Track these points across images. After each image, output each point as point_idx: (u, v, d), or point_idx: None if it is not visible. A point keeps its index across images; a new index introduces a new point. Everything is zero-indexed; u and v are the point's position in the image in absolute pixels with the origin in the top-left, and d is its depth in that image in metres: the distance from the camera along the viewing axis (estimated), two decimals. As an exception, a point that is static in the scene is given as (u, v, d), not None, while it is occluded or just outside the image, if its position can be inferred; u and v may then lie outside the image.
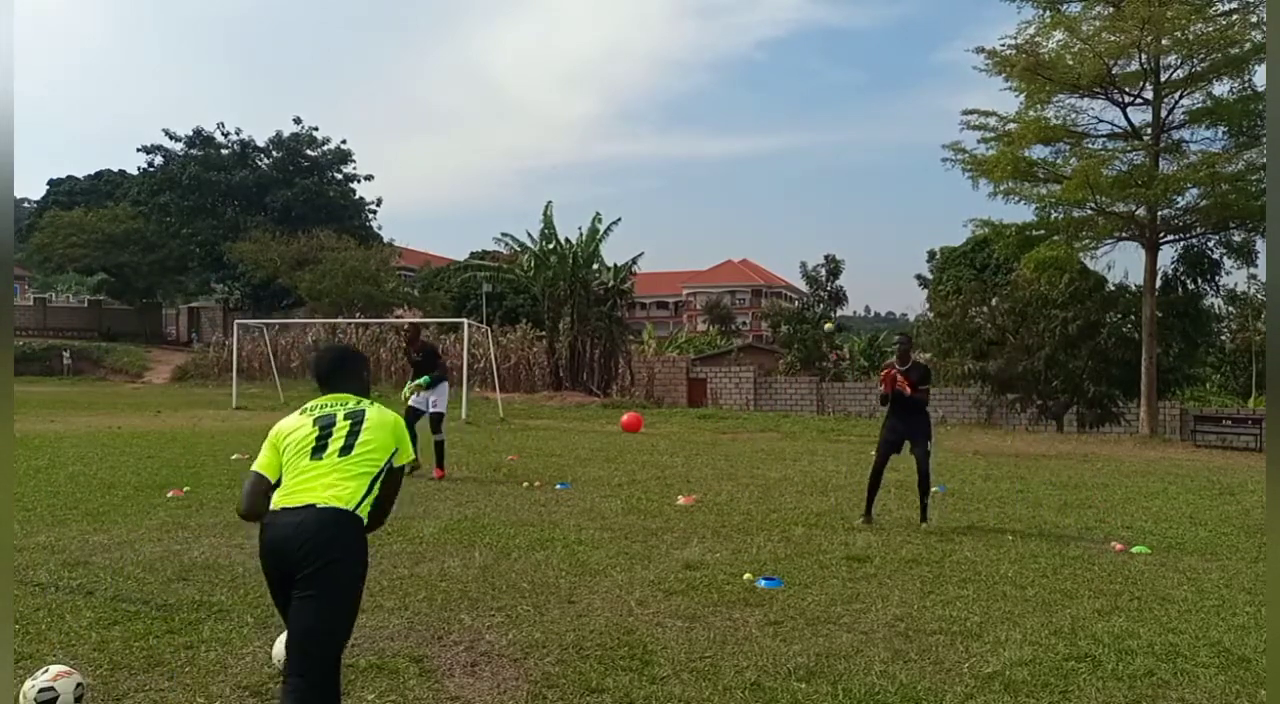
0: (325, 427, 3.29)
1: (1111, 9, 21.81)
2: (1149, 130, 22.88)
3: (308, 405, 3.43)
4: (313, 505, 3.09)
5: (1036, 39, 22.67)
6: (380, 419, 3.37)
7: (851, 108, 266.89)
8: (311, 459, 3.20)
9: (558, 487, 10.63)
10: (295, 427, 3.33)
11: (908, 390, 8.54)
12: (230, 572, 6.18)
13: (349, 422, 3.31)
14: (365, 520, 3.22)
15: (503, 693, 4.19)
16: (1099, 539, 8.16)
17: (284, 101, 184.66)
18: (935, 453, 9.23)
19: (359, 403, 3.42)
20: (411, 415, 10.96)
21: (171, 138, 53.79)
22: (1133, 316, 25.70)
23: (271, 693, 4.11)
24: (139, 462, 12.08)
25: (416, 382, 11.27)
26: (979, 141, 24.07)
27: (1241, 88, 21.74)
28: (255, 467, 3.31)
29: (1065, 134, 23.40)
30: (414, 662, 4.54)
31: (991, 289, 30.93)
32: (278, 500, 3.17)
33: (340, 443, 3.24)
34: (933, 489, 10.97)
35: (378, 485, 3.28)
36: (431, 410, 11.33)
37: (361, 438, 3.26)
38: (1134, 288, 26.03)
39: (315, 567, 3.02)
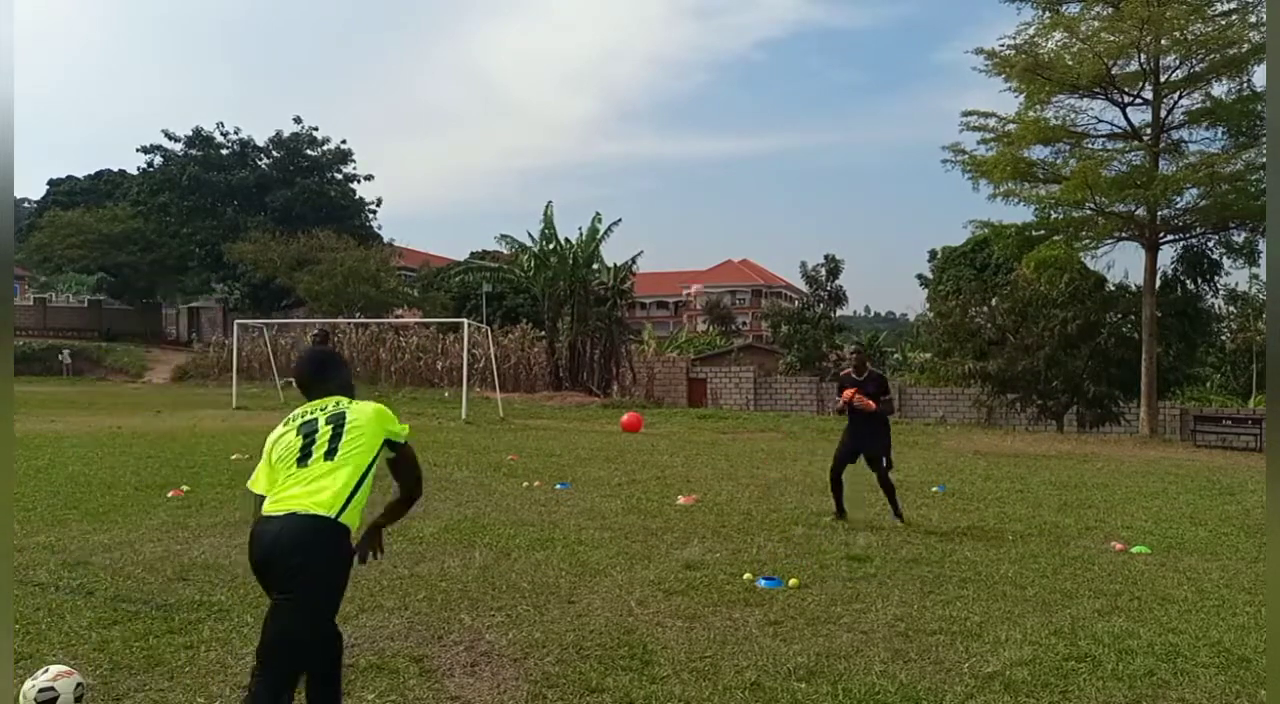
0: (309, 434, 3.29)
1: (1111, 9, 21.81)
2: (1148, 130, 22.88)
3: (291, 414, 3.44)
4: (293, 513, 3.10)
5: (1036, 39, 22.67)
6: (362, 415, 3.37)
7: (851, 108, 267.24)
8: (298, 467, 3.21)
9: (558, 487, 10.63)
10: (280, 436, 3.36)
11: (871, 407, 8.57)
12: (230, 572, 6.18)
13: (331, 426, 3.30)
14: (352, 526, 3.20)
15: (503, 693, 4.19)
16: (1099, 539, 8.16)
17: (284, 101, 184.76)
18: (896, 465, 9.30)
19: (339, 405, 3.41)
20: None
21: (171, 138, 53.80)
22: (1133, 316, 25.69)
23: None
24: (139, 462, 12.08)
25: None
26: (979, 142, 24.09)
27: (1240, 88, 21.75)
28: (256, 488, 3.33)
29: (1065, 134, 23.39)
30: (414, 661, 4.54)
31: (992, 289, 30.91)
32: (266, 508, 3.19)
33: (324, 448, 3.24)
34: (932, 489, 11.03)
35: (369, 481, 3.28)
36: None
37: (345, 439, 3.26)
38: (1134, 288, 26.03)
39: (289, 573, 3.04)
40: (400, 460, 3.48)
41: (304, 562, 3.04)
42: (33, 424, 17.02)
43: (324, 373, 3.63)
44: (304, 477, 3.18)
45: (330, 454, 3.22)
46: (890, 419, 9.04)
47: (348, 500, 3.16)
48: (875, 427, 8.77)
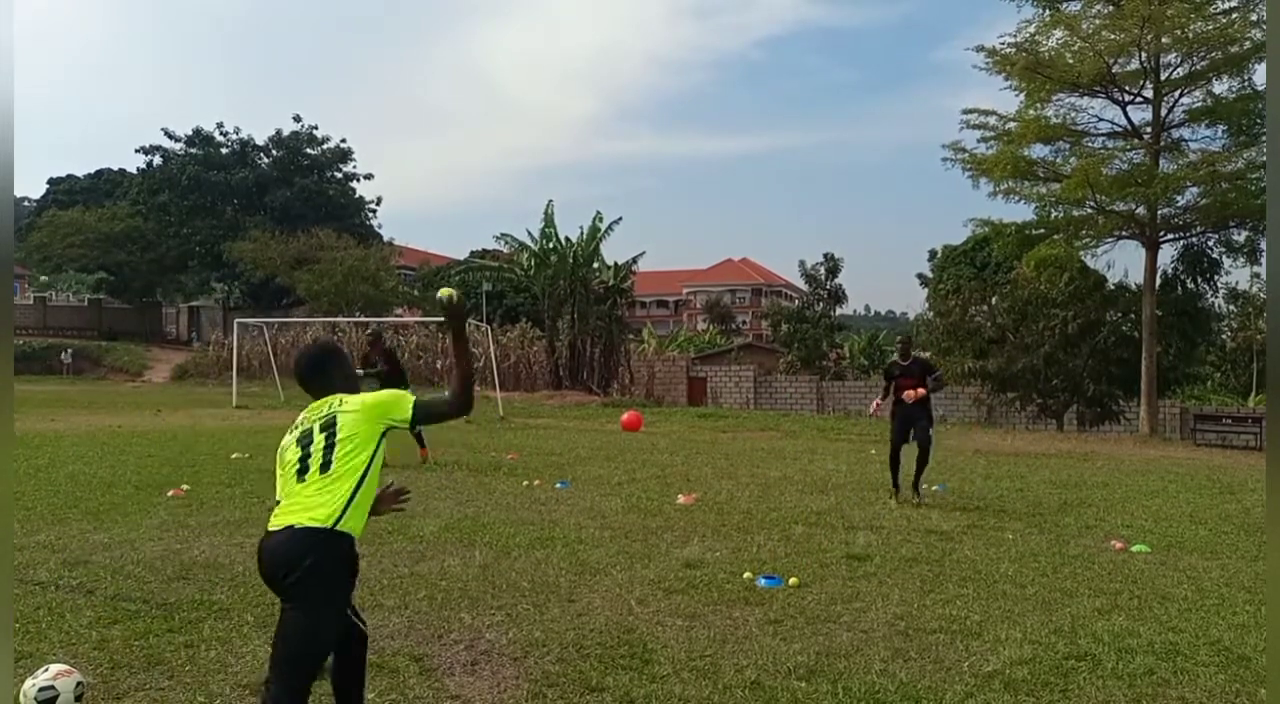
0: (305, 445, 3.27)
1: (1111, 7, 21.78)
2: (1149, 129, 22.85)
3: (297, 420, 3.44)
4: (291, 527, 3.12)
5: (1036, 38, 22.63)
6: (353, 415, 3.29)
7: (851, 107, 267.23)
8: (297, 482, 3.22)
9: (558, 485, 10.63)
10: (285, 448, 3.35)
11: (922, 393, 9.65)
12: (230, 571, 6.18)
13: (324, 435, 3.26)
14: (354, 532, 3.20)
15: (503, 692, 4.19)
16: (1099, 538, 8.15)
17: (284, 101, 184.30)
18: (936, 443, 10.27)
19: (331, 407, 3.34)
20: None
21: (171, 137, 53.83)
22: (1133, 315, 25.67)
23: (272, 692, 4.11)
24: (139, 461, 12.08)
25: None
26: (979, 141, 24.04)
27: (1241, 86, 21.71)
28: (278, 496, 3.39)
29: (1065, 133, 23.36)
30: (414, 660, 4.55)
31: (991, 288, 30.91)
32: (270, 522, 3.23)
33: (319, 459, 3.21)
34: (933, 488, 11.03)
35: (372, 474, 3.25)
36: None
37: (339, 449, 3.22)
38: (1134, 287, 26.01)
39: (289, 583, 3.09)
40: (424, 418, 3.37)
41: (302, 572, 3.07)
42: (33, 423, 17.02)
43: (321, 370, 3.53)
44: (301, 492, 3.19)
45: (325, 467, 3.19)
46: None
47: (345, 508, 3.16)
48: (921, 407, 9.76)
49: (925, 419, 9.78)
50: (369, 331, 13.27)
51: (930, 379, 9.80)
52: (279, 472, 3.35)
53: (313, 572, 3.08)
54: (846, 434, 20.16)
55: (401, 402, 3.34)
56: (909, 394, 9.64)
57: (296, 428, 3.38)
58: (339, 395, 3.42)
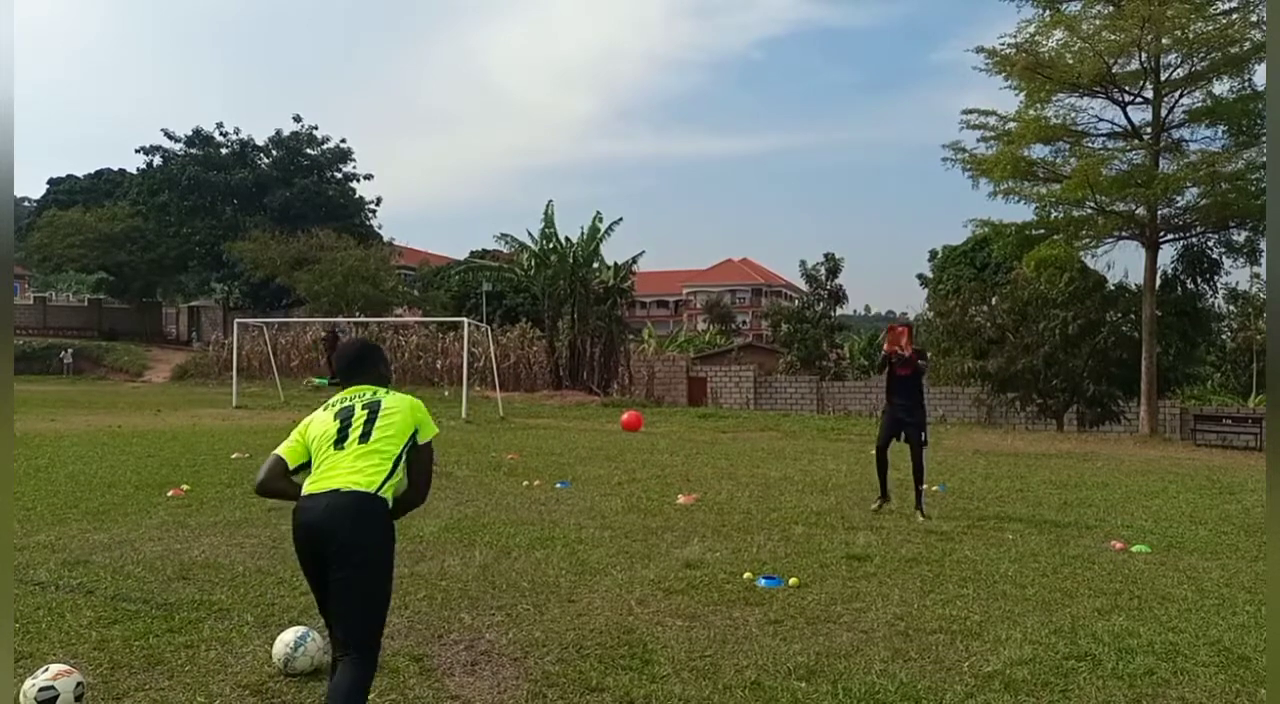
0: (345, 419, 3.45)
1: (1111, 8, 21.78)
2: (1149, 129, 22.85)
3: (331, 401, 3.60)
4: (336, 490, 3.26)
5: (1036, 38, 22.64)
6: (397, 404, 3.51)
7: (851, 107, 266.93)
8: (334, 449, 3.37)
9: (558, 485, 10.63)
10: (320, 421, 3.50)
11: (908, 351, 9.15)
12: (230, 571, 6.18)
13: (366, 411, 3.46)
14: (390, 502, 3.36)
15: (503, 692, 4.19)
16: (1099, 538, 8.15)
17: (284, 101, 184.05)
18: (930, 451, 9.79)
19: (375, 393, 3.57)
20: None
21: (171, 137, 53.84)
22: (1133, 316, 25.67)
23: (272, 691, 4.11)
24: (139, 460, 12.08)
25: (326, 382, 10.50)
26: (979, 141, 24.05)
27: (1241, 87, 21.70)
28: (278, 449, 3.48)
29: (1065, 133, 23.36)
30: (414, 660, 4.54)
31: (991, 288, 30.92)
32: (306, 489, 3.34)
33: (359, 431, 3.40)
34: (933, 488, 11.01)
35: (401, 466, 3.41)
36: None
37: (379, 424, 3.41)
38: (1134, 287, 26.01)
39: (345, 545, 3.19)
40: (417, 459, 3.52)
41: (358, 538, 3.21)
42: (33, 423, 17.02)
43: (364, 363, 3.75)
44: (341, 458, 3.34)
45: (365, 437, 3.38)
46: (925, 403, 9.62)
47: (385, 479, 3.33)
48: (914, 404, 9.32)
49: (917, 421, 9.28)
50: (324, 334, 12.53)
51: (920, 359, 9.42)
52: (301, 438, 3.47)
53: (370, 537, 3.23)
54: (847, 434, 20.16)
55: (431, 426, 3.58)
56: (902, 341, 9.20)
57: (333, 405, 3.54)
58: (375, 386, 3.62)
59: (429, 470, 3.59)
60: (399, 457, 3.40)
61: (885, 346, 9.40)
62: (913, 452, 9.14)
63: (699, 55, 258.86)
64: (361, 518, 3.24)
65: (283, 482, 3.47)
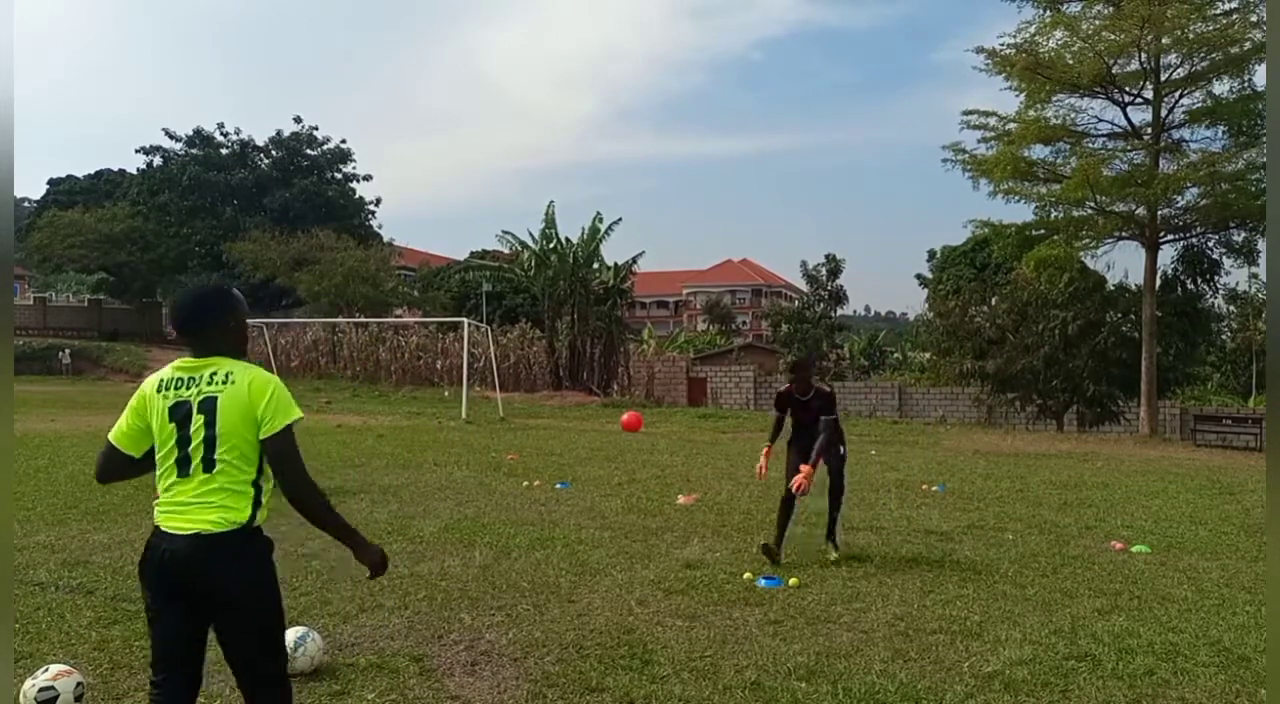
0: (182, 424, 2.78)
1: (1111, 8, 21.79)
2: (1149, 130, 22.87)
3: (165, 376, 2.86)
4: (198, 535, 2.72)
5: (1036, 38, 22.66)
6: (235, 399, 2.77)
7: (851, 108, 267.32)
8: (180, 476, 2.79)
9: (558, 486, 10.63)
10: (158, 411, 2.82)
11: (807, 488, 6.74)
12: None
13: (203, 417, 2.77)
14: (261, 526, 2.85)
15: (503, 692, 4.19)
16: (1099, 538, 8.15)
17: (284, 101, 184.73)
18: (848, 475, 7.46)
19: (213, 376, 2.80)
20: None
21: (171, 137, 53.88)
22: (1133, 316, 25.69)
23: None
24: (139, 461, 12.06)
25: None
26: (979, 141, 24.10)
27: (1241, 87, 21.73)
28: (111, 435, 2.90)
29: (1065, 133, 23.38)
30: (414, 661, 4.54)
31: (991, 288, 30.94)
32: (164, 517, 2.80)
33: (200, 455, 2.76)
34: (933, 488, 11.01)
35: (266, 480, 2.84)
36: None
37: (220, 444, 2.76)
38: (1134, 287, 26.03)
39: (229, 599, 2.77)
40: (273, 454, 2.79)
41: (238, 582, 2.77)
42: (33, 424, 17.02)
43: (204, 320, 2.88)
44: (191, 487, 2.78)
45: (209, 465, 2.76)
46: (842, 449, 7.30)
47: (253, 509, 2.81)
48: (810, 436, 6.96)
49: (832, 462, 7.09)
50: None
51: (824, 420, 6.89)
52: (137, 418, 2.86)
53: (250, 572, 2.79)
54: (846, 434, 20.12)
55: (284, 412, 2.80)
56: (798, 481, 6.70)
57: (168, 388, 2.82)
58: (217, 362, 2.84)
59: (295, 464, 2.79)
60: (256, 480, 2.81)
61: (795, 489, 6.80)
62: (832, 478, 7.14)
63: (699, 56, 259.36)
64: (236, 561, 2.76)
65: (132, 470, 2.96)
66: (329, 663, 4.42)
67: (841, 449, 7.25)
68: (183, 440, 2.78)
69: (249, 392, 2.78)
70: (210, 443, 2.76)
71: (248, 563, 2.80)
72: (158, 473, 2.85)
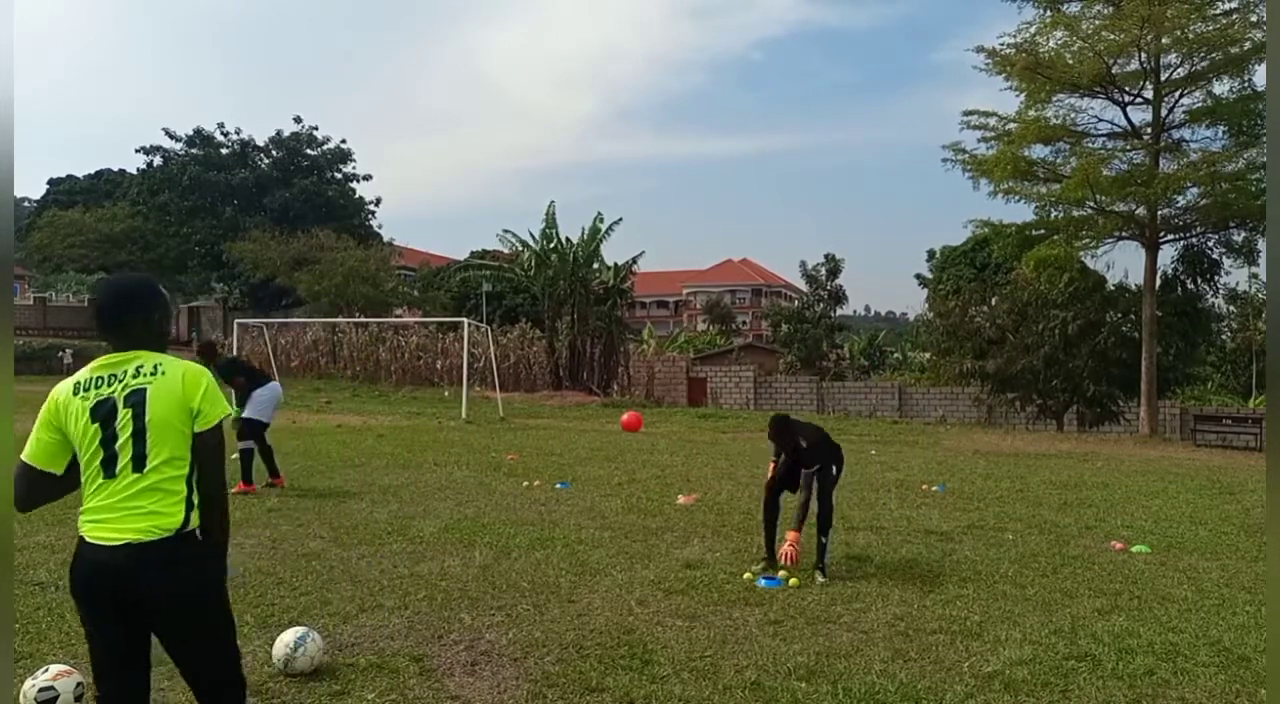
0: (107, 423, 2.64)
1: (1111, 8, 21.80)
2: (1149, 129, 22.87)
3: (79, 378, 2.73)
4: (130, 544, 2.58)
5: (1036, 38, 22.67)
6: (166, 390, 2.66)
7: (851, 108, 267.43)
8: (106, 478, 2.64)
9: (558, 486, 10.63)
10: (76, 415, 2.68)
11: (795, 553, 6.31)
12: (229, 571, 6.16)
13: (130, 411, 2.63)
14: (198, 527, 2.71)
15: (503, 692, 4.19)
16: (1099, 538, 8.15)
17: (284, 101, 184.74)
18: (837, 492, 6.88)
19: (140, 368, 2.69)
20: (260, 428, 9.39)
21: (171, 137, 53.88)
22: (1133, 316, 25.69)
23: (271, 692, 4.11)
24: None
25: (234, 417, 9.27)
26: (979, 141, 24.12)
27: (1242, 87, 21.74)
28: (24, 455, 2.73)
29: (1065, 133, 23.39)
30: (414, 661, 4.54)
31: (991, 288, 30.94)
32: (89, 527, 2.63)
33: (129, 453, 2.62)
34: (933, 488, 11.01)
35: (195, 479, 2.71)
36: (253, 417, 9.28)
37: (150, 437, 2.63)
38: (1134, 287, 26.03)
39: (172, 607, 2.65)
40: (204, 449, 2.69)
41: (182, 589, 2.65)
42: (33, 424, 16.99)
43: (125, 313, 2.75)
44: (119, 490, 2.62)
45: (139, 463, 2.62)
46: (833, 477, 6.76)
47: (187, 512, 2.68)
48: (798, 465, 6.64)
49: (825, 478, 6.59)
50: (199, 343, 10.12)
51: (804, 475, 6.48)
52: (46, 431, 2.73)
53: (195, 587, 2.68)
54: (846, 434, 20.13)
55: (215, 407, 2.71)
56: (786, 551, 6.31)
57: (89, 389, 2.69)
58: (142, 355, 2.73)
59: (218, 462, 2.73)
60: (188, 478, 2.68)
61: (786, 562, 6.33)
62: (820, 497, 6.55)
63: (699, 56, 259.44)
64: (169, 570, 2.61)
65: (56, 489, 2.75)
66: (329, 663, 4.42)
67: (835, 471, 6.78)
68: (108, 439, 2.64)
69: (183, 383, 2.68)
70: (140, 436, 2.62)
71: (182, 572, 2.64)
72: (83, 479, 2.69)
